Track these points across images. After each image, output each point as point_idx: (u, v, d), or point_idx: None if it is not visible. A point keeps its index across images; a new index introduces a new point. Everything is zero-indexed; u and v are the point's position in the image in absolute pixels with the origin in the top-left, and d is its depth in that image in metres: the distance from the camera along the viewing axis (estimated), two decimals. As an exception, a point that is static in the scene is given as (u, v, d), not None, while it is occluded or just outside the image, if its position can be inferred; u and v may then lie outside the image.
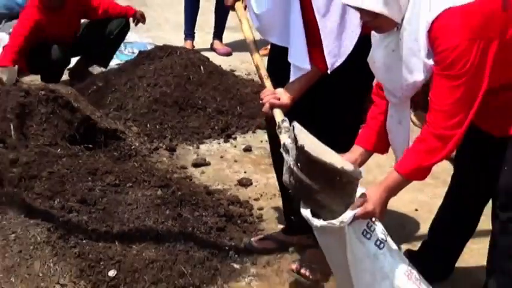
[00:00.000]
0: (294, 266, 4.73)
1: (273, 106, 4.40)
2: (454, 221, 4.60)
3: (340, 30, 4.26)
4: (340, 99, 4.50)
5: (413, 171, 3.75)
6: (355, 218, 3.76)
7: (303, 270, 4.69)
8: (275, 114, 4.39)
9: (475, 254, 4.61)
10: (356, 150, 4.14)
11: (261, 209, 5.69)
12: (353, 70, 4.26)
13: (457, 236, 4.64)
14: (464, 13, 3.53)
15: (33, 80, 7.08)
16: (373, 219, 3.87)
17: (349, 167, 3.78)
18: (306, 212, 4.01)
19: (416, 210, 4.97)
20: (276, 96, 4.42)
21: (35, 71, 7.68)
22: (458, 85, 3.58)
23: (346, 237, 3.82)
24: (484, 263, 4.37)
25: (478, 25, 3.55)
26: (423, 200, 4.62)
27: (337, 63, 4.27)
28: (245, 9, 4.88)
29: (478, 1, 3.58)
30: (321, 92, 4.47)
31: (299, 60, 4.38)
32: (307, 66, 4.34)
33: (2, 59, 7.31)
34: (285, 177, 3.99)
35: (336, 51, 4.29)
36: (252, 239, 5.21)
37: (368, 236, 3.88)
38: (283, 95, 4.43)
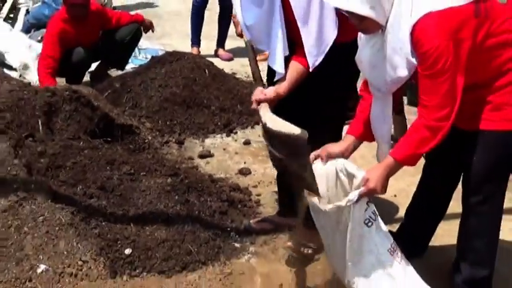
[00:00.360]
0: (289, 244, 4.74)
1: (259, 101, 4.39)
2: (426, 206, 4.61)
3: (319, 35, 4.29)
4: (327, 97, 4.51)
5: (407, 158, 3.80)
6: (360, 196, 3.82)
7: (297, 248, 4.70)
8: (261, 109, 4.39)
9: (446, 234, 4.60)
10: (348, 139, 4.18)
11: (258, 195, 5.70)
12: (337, 72, 4.37)
13: (429, 219, 4.65)
14: (441, 17, 3.57)
15: (58, 82, 7.08)
16: (370, 200, 3.94)
17: (296, 131, 3.85)
18: (311, 200, 4.07)
19: (395, 196, 4.97)
20: (262, 92, 4.43)
21: (61, 74, 7.67)
22: (442, 81, 3.63)
23: (348, 215, 3.87)
24: (455, 242, 4.37)
25: (454, 28, 3.59)
26: (401, 187, 4.62)
27: (317, 62, 4.31)
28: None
29: (453, 7, 3.60)
30: (311, 90, 4.47)
31: (276, 65, 4.41)
32: (281, 71, 4.38)
33: (44, 81, 7.30)
34: (271, 160, 4.14)
35: (315, 52, 4.31)
36: (251, 221, 5.22)
37: (366, 213, 3.96)
38: (269, 91, 4.43)
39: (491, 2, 3.82)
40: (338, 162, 4.07)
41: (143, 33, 8.44)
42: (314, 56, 4.32)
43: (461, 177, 4.30)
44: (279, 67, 4.39)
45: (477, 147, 4.03)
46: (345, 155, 4.13)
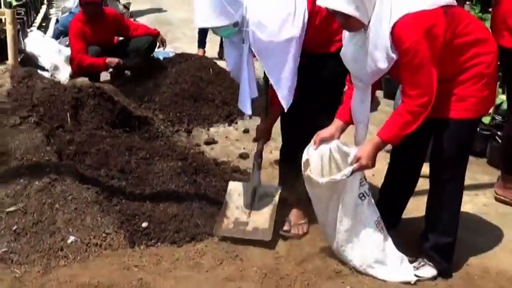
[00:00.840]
0: (285, 228, 4.71)
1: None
2: (396, 185, 4.63)
3: (286, 83, 4.36)
4: (326, 88, 4.53)
5: (392, 138, 3.92)
6: (353, 171, 3.95)
7: (292, 230, 4.68)
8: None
9: (416, 208, 4.59)
10: (336, 123, 4.23)
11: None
12: (328, 74, 4.46)
13: (400, 196, 4.65)
14: (416, 18, 3.66)
15: (84, 80, 7.04)
16: (365, 177, 4.14)
17: None
18: (307, 172, 4.18)
19: (373, 175, 4.96)
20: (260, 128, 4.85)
21: (83, 73, 7.64)
22: (421, 73, 3.72)
23: (344, 188, 4.05)
24: (423, 215, 4.39)
25: (427, 27, 3.68)
26: (378, 168, 4.57)
27: (289, 103, 4.41)
28: None
29: (426, 10, 3.70)
30: (311, 89, 4.51)
31: (242, 107, 4.56)
32: (248, 112, 4.55)
33: (96, 61, 7.52)
34: None
35: (285, 95, 4.40)
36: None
37: (359, 188, 4.12)
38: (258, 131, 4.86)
39: (456, 8, 3.92)
40: (332, 143, 4.16)
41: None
42: (286, 100, 4.42)
43: (429, 158, 4.33)
44: (245, 109, 4.56)
45: (443, 133, 4.09)
46: (336, 136, 4.20)
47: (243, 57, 4.41)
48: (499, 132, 5.74)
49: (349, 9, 3.69)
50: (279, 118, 4.84)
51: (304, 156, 4.22)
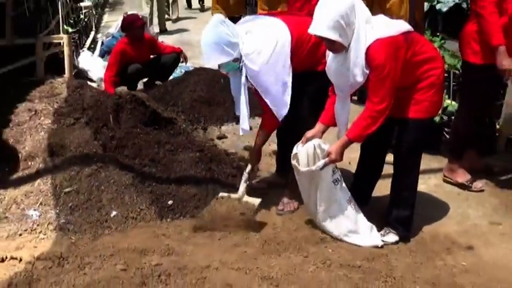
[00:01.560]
0: (279, 208, 4.69)
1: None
2: (366, 171, 4.62)
3: (278, 101, 4.37)
4: (313, 99, 4.49)
5: (356, 137, 3.98)
6: (325, 164, 4.03)
7: (285, 208, 4.67)
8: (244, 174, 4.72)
9: (383, 188, 4.58)
10: (318, 125, 4.25)
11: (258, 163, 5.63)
12: (316, 88, 4.41)
13: (369, 179, 4.64)
14: (385, 42, 3.77)
15: (123, 89, 7.05)
16: (336, 167, 4.16)
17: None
18: (294, 162, 4.23)
19: (349, 163, 4.94)
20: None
21: (122, 83, 7.64)
22: (385, 84, 3.79)
23: (320, 176, 4.09)
24: (388, 193, 4.40)
25: (394, 49, 3.78)
26: (354, 157, 4.59)
27: (283, 115, 4.40)
28: None
29: (392, 36, 3.81)
30: (302, 98, 4.49)
31: (243, 126, 4.56)
32: (248, 129, 4.57)
33: (106, 88, 7.29)
34: None
35: (279, 106, 4.39)
36: (253, 182, 5.17)
37: (332, 175, 4.14)
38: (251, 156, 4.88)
39: (413, 32, 4.02)
40: (314, 141, 4.18)
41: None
42: (279, 112, 4.41)
43: (393, 149, 4.35)
44: (245, 127, 4.56)
45: (404, 129, 4.14)
46: (317, 136, 4.22)
47: (241, 85, 4.41)
48: (446, 129, 5.75)
49: (334, 36, 3.77)
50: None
51: (294, 151, 4.26)
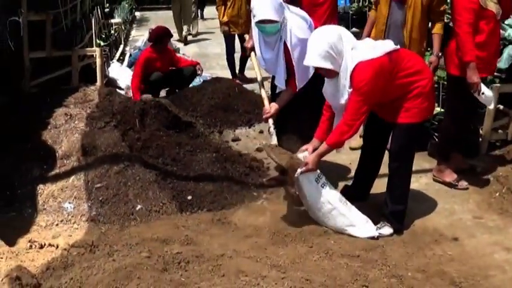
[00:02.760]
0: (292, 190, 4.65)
1: (266, 118, 4.66)
2: (365, 170, 4.58)
3: (304, 69, 4.40)
4: (309, 103, 4.52)
5: (334, 144, 4.03)
6: (302, 172, 4.07)
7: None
8: (269, 122, 4.65)
9: (380, 185, 4.56)
10: (314, 141, 4.25)
11: (268, 163, 5.55)
12: (315, 90, 4.33)
13: (368, 178, 4.61)
14: (367, 65, 3.84)
15: (148, 96, 7.03)
16: (320, 173, 4.18)
17: (280, 161, 4.29)
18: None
19: (350, 163, 4.94)
20: (267, 110, 4.66)
21: (147, 91, 7.64)
22: (361, 99, 3.86)
23: (306, 184, 4.13)
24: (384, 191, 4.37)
25: (375, 70, 3.83)
26: (354, 158, 4.57)
27: (302, 85, 4.49)
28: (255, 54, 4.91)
29: (374, 58, 3.85)
30: (303, 98, 4.55)
31: (280, 83, 4.58)
32: (283, 86, 4.56)
33: (134, 96, 7.30)
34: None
35: (301, 79, 4.48)
36: (264, 179, 5.14)
37: (317, 181, 4.15)
38: (272, 108, 4.63)
39: (398, 50, 4.05)
40: (304, 153, 4.22)
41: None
42: (300, 82, 4.48)
43: (388, 151, 4.36)
44: (281, 85, 4.57)
45: (397, 132, 4.15)
46: (309, 150, 4.21)
47: (279, 50, 4.48)
48: (435, 133, 5.72)
49: (326, 65, 3.88)
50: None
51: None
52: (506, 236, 4.26)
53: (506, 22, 7.13)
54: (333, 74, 3.95)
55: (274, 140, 4.56)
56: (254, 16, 4.43)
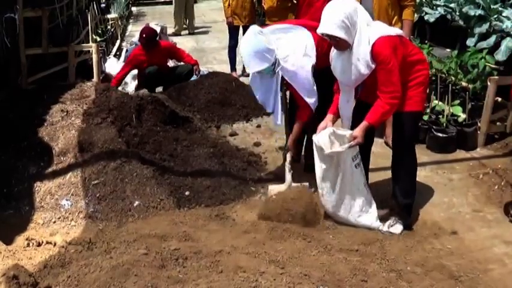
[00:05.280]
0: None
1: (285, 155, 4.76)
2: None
3: (312, 93, 4.45)
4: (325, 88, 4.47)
5: (376, 122, 3.99)
6: (351, 146, 4.02)
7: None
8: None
9: (377, 176, 4.54)
10: (328, 117, 4.26)
11: (265, 158, 5.59)
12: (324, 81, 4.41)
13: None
14: (387, 39, 3.87)
15: (144, 91, 7.00)
16: (358, 152, 4.14)
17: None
18: (320, 145, 4.13)
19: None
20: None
21: (143, 86, 7.62)
22: (393, 73, 3.85)
23: (344, 161, 4.08)
24: (382, 179, 4.40)
25: (394, 45, 3.88)
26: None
27: (316, 104, 4.47)
28: None
29: (391, 35, 3.91)
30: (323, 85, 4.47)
31: (276, 120, 4.64)
32: (280, 123, 4.69)
33: (113, 82, 7.33)
34: None
35: (313, 100, 4.47)
36: (262, 174, 5.16)
37: (354, 159, 4.12)
38: (289, 142, 4.73)
39: (404, 37, 4.14)
40: (328, 129, 4.16)
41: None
42: (313, 104, 4.47)
43: (392, 142, 4.42)
44: (279, 121, 4.63)
45: (400, 121, 4.15)
46: (329, 125, 4.20)
47: (275, 86, 4.47)
48: (434, 126, 5.69)
49: (340, 34, 3.85)
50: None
51: (314, 139, 4.18)
52: (505, 229, 4.25)
53: (504, 14, 7.12)
54: (345, 46, 3.93)
55: (288, 178, 4.58)
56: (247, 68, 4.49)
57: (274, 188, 4.53)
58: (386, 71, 3.85)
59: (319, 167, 4.19)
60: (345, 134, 4.07)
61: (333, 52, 4.13)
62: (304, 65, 4.34)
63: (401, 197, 4.24)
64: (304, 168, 5.07)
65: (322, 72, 4.38)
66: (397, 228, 4.20)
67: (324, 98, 4.47)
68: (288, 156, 4.66)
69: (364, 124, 3.98)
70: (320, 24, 3.94)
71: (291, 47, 4.35)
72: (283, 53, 4.32)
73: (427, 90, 4.24)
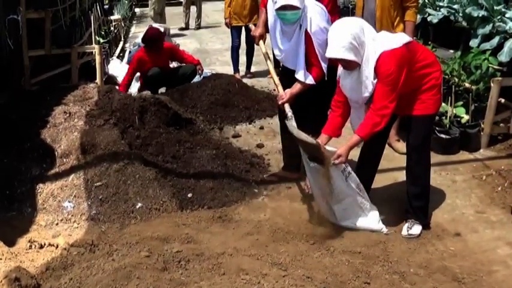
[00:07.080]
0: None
1: (282, 103, 4.53)
2: (366, 165, 4.49)
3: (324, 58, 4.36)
4: (319, 98, 4.56)
5: (366, 135, 3.93)
6: (334, 164, 3.99)
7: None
8: (285, 108, 4.51)
9: (378, 176, 4.53)
10: (323, 136, 4.18)
11: (268, 159, 5.59)
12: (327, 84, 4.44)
13: (369, 173, 4.50)
14: (391, 54, 3.83)
15: (147, 93, 7.00)
16: (347, 165, 4.09)
17: (312, 140, 4.01)
18: (306, 159, 4.17)
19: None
20: (282, 96, 4.55)
21: (147, 88, 7.63)
22: (390, 89, 3.81)
23: (331, 173, 4.02)
24: (383, 179, 4.33)
25: (398, 59, 3.80)
26: (355, 154, 4.55)
27: (325, 69, 4.46)
28: (264, 42, 4.92)
29: (395, 48, 3.83)
30: (311, 94, 4.54)
31: (301, 77, 4.49)
32: (308, 81, 4.49)
33: (120, 88, 7.30)
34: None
35: (325, 68, 4.46)
36: (264, 176, 5.16)
37: (343, 172, 4.09)
38: (287, 94, 4.54)
39: (413, 42, 4.07)
40: (331, 148, 4.11)
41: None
42: (325, 69, 4.47)
43: (406, 145, 4.34)
44: (302, 77, 4.49)
45: (413, 125, 4.14)
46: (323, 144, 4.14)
47: (300, 40, 4.43)
48: (437, 128, 5.67)
49: (350, 56, 3.82)
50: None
51: (302, 154, 4.22)
52: (509, 231, 4.23)
53: (507, 15, 7.10)
54: (354, 66, 3.90)
55: (294, 123, 4.41)
56: (275, 2, 4.37)
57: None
58: (384, 88, 3.82)
59: (309, 178, 4.23)
60: (333, 151, 4.06)
61: (340, 70, 4.09)
62: (324, 35, 4.30)
63: (415, 200, 4.24)
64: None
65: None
66: (416, 229, 4.19)
67: (324, 99, 4.47)
68: (287, 107, 4.55)
69: (352, 140, 3.99)
70: (328, 48, 3.92)
71: (321, 11, 4.47)
72: (315, 10, 4.40)
73: (441, 90, 4.21)
